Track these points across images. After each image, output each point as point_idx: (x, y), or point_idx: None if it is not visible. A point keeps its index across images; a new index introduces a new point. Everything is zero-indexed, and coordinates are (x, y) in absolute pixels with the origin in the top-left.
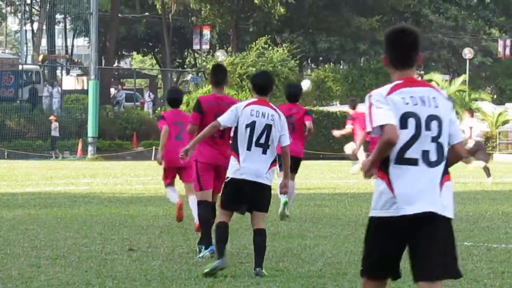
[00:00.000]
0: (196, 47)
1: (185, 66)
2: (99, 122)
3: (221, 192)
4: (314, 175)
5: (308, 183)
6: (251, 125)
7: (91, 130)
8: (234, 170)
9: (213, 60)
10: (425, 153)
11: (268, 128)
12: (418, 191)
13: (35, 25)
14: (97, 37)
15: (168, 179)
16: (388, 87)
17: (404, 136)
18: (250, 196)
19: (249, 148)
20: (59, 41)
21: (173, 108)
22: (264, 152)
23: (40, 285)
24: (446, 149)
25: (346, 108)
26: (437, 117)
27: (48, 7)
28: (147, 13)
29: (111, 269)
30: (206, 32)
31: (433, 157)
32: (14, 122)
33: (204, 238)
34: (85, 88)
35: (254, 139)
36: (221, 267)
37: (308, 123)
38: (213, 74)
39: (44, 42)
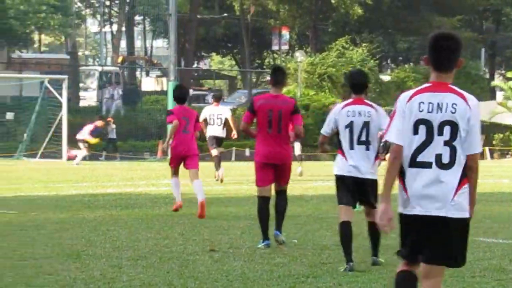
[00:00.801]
0: (275, 47)
1: (264, 67)
2: None
3: (336, 189)
4: None
5: None
6: (350, 125)
7: None
8: (341, 167)
9: (293, 61)
10: (438, 156)
11: (366, 125)
12: (429, 193)
13: (114, 27)
14: (176, 38)
15: (174, 165)
16: (413, 90)
17: (416, 141)
18: (359, 192)
19: (352, 147)
20: (138, 43)
21: (179, 105)
22: (367, 149)
23: (122, 286)
24: (461, 152)
25: None
26: (452, 122)
27: (127, 9)
28: (225, 14)
29: (192, 270)
30: (285, 33)
31: (445, 159)
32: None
33: (263, 232)
34: (164, 89)
35: (355, 137)
36: (352, 269)
37: None
38: (273, 75)
39: (123, 43)
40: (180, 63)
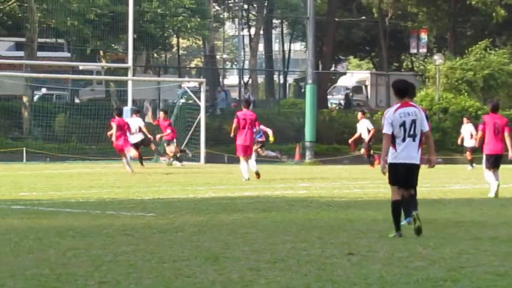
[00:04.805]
0: (413, 50)
1: (402, 70)
2: (316, 127)
3: (388, 173)
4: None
5: None
6: (403, 124)
7: (308, 134)
8: (394, 156)
9: (431, 64)
10: None
11: (413, 122)
12: None
13: (252, 30)
14: (314, 42)
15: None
16: None
17: None
18: (406, 174)
19: (404, 140)
20: (276, 46)
21: (246, 109)
22: (414, 140)
23: None
24: None
25: None
26: None
27: (265, 12)
28: (363, 17)
29: (330, 273)
30: (424, 35)
31: None
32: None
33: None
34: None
35: (407, 132)
36: (400, 236)
37: None
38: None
39: (261, 47)
40: (317, 66)
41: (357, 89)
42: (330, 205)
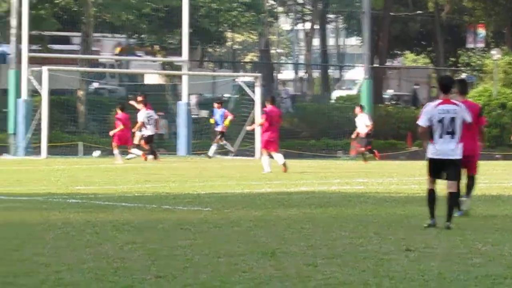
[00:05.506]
0: (470, 45)
1: (458, 65)
2: (373, 122)
3: (427, 167)
4: None
5: None
6: (441, 121)
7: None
8: (432, 152)
9: (489, 59)
10: None
11: (452, 120)
12: None
13: (307, 25)
14: (370, 36)
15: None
16: None
17: None
18: (445, 169)
19: (441, 136)
20: (331, 41)
21: (272, 105)
22: (452, 137)
23: (317, 284)
24: None
25: None
26: None
27: (320, 7)
28: (419, 12)
29: (388, 269)
30: (481, 30)
31: None
32: (288, 121)
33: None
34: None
35: (445, 129)
36: (434, 224)
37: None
38: (459, 86)
39: (316, 41)
40: (373, 61)
41: None
42: (387, 201)
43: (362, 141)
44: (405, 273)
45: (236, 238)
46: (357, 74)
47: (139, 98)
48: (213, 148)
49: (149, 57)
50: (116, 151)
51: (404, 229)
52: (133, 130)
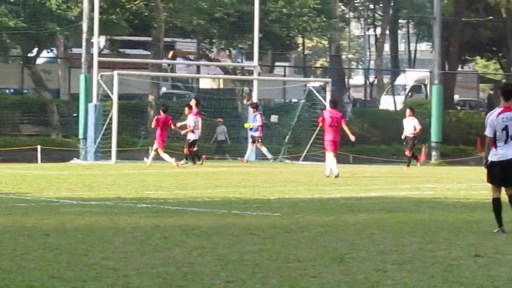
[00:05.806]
0: None
1: None
2: (442, 127)
3: (487, 173)
4: None
5: None
6: (505, 129)
7: (434, 135)
8: (492, 155)
9: None
10: None
11: None
12: None
13: (378, 30)
14: (440, 42)
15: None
16: None
17: None
18: (503, 173)
19: (506, 142)
20: (401, 46)
21: (332, 108)
22: None
23: None
24: None
25: None
26: None
27: (391, 12)
28: (491, 17)
29: (457, 275)
30: None
31: None
32: (357, 127)
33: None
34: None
35: (509, 135)
36: (503, 232)
37: None
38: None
39: (387, 47)
40: (444, 66)
41: (417, 88)
42: (456, 206)
43: (408, 144)
44: (474, 279)
45: (305, 243)
46: (408, 79)
47: (193, 102)
48: (264, 150)
49: (218, 63)
50: (163, 154)
51: (473, 235)
52: (182, 133)
